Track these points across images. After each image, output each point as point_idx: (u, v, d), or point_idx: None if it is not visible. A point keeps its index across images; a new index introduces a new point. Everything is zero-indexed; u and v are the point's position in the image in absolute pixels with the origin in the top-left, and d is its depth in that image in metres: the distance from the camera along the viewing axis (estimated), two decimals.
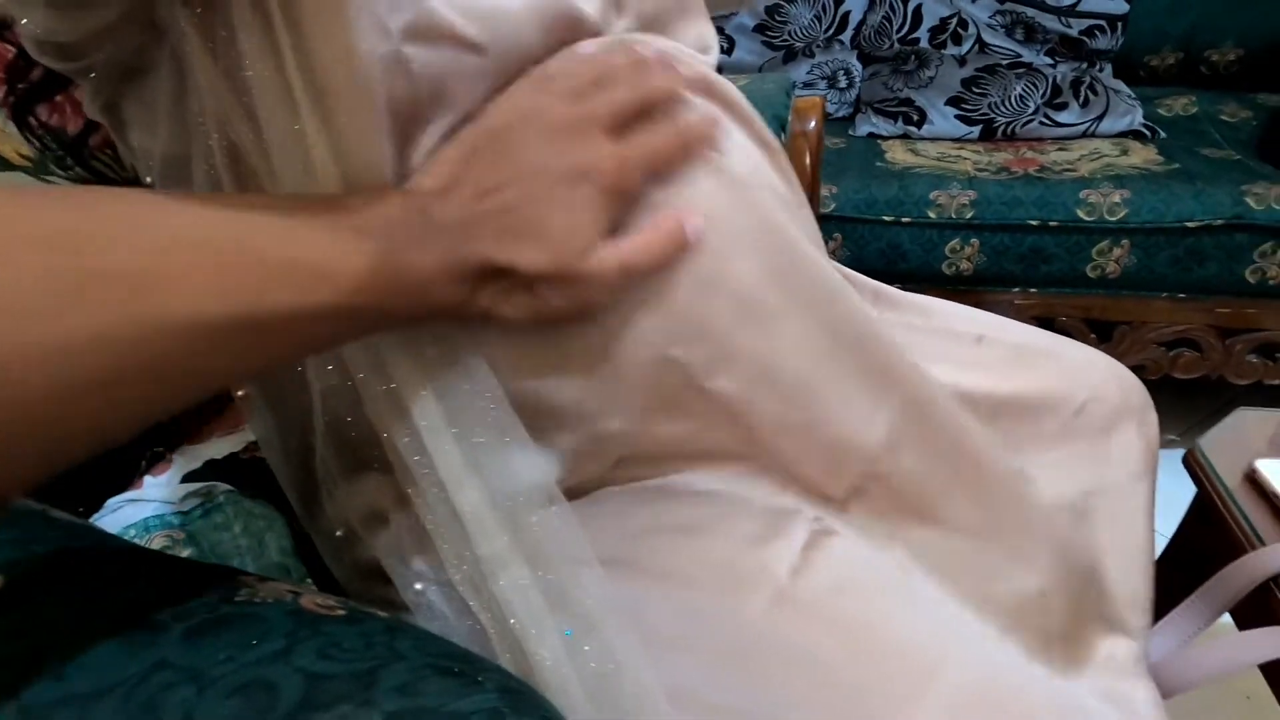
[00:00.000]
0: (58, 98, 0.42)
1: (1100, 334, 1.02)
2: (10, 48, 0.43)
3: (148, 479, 0.51)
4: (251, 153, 0.29)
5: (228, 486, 0.50)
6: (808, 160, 0.75)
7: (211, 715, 0.18)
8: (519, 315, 0.29)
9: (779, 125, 0.72)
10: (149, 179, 0.33)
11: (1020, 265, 1.00)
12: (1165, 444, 0.53)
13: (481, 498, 0.31)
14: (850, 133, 1.20)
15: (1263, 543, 0.45)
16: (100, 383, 0.18)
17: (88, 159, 0.45)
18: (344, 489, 0.38)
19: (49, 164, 0.48)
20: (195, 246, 0.21)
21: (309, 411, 0.36)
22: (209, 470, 0.51)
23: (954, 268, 1.02)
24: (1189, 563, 0.51)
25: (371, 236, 0.25)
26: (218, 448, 0.53)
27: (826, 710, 0.30)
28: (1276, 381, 0.99)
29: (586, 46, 0.31)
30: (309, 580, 0.46)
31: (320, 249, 0.23)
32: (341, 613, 0.24)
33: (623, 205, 0.30)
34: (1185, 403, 1.16)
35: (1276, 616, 0.42)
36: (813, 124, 0.75)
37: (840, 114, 1.27)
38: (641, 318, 0.32)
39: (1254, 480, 0.49)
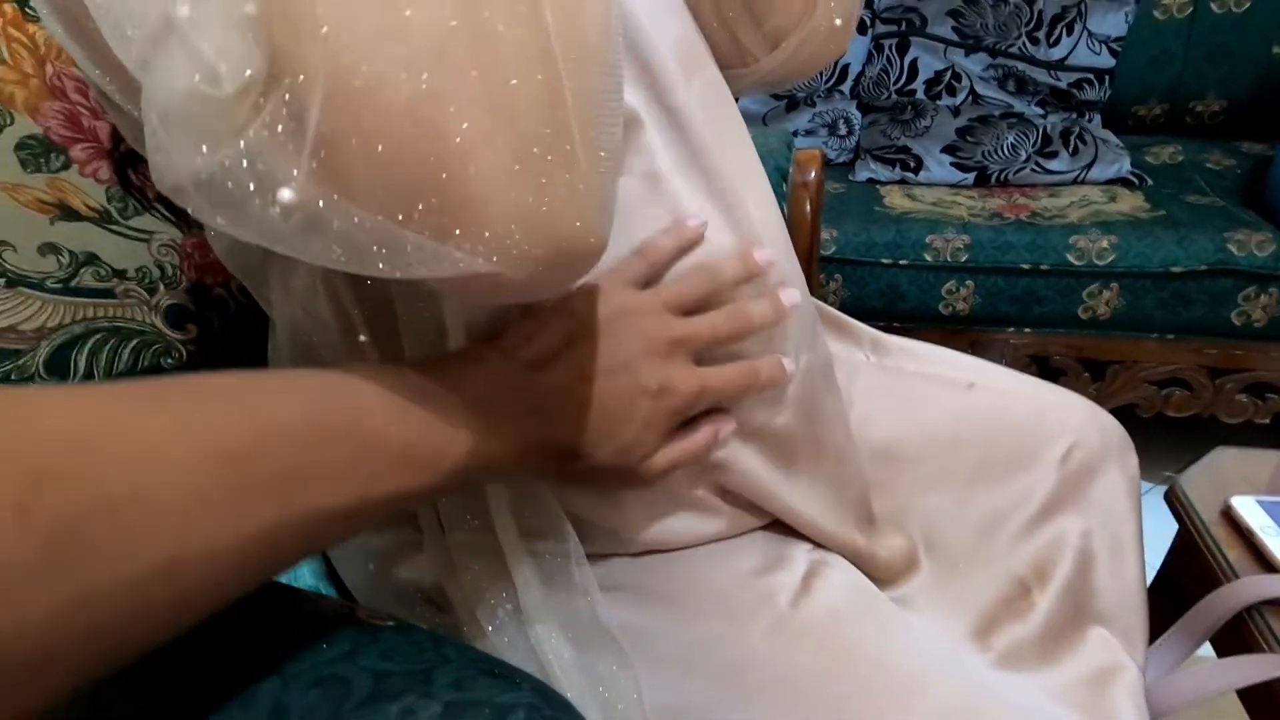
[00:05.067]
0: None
1: (1094, 373, 1.06)
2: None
3: None
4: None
5: None
6: (808, 208, 0.79)
7: (297, 703, 0.21)
8: (577, 483, 0.33)
9: (780, 176, 0.77)
10: (216, 248, 0.37)
11: (1014, 306, 1.03)
12: (1161, 480, 0.55)
13: (531, 561, 0.35)
14: (850, 178, 1.25)
15: (1237, 575, 0.48)
16: (244, 581, 0.20)
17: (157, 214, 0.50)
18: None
19: (114, 215, 0.53)
20: (330, 439, 0.22)
21: None
22: None
23: (950, 308, 1.05)
24: (1174, 594, 0.53)
25: (475, 414, 0.26)
26: None
27: None
28: (1266, 420, 1.02)
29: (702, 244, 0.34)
30: None
31: (431, 436, 0.25)
32: (391, 624, 0.27)
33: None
34: (1180, 441, 1.18)
35: (1251, 644, 0.45)
36: (813, 175, 0.79)
37: (841, 160, 1.33)
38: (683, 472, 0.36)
39: (1229, 516, 0.52)
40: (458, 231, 0.20)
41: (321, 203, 0.20)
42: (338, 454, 0.22)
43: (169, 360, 0.55)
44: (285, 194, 0.19)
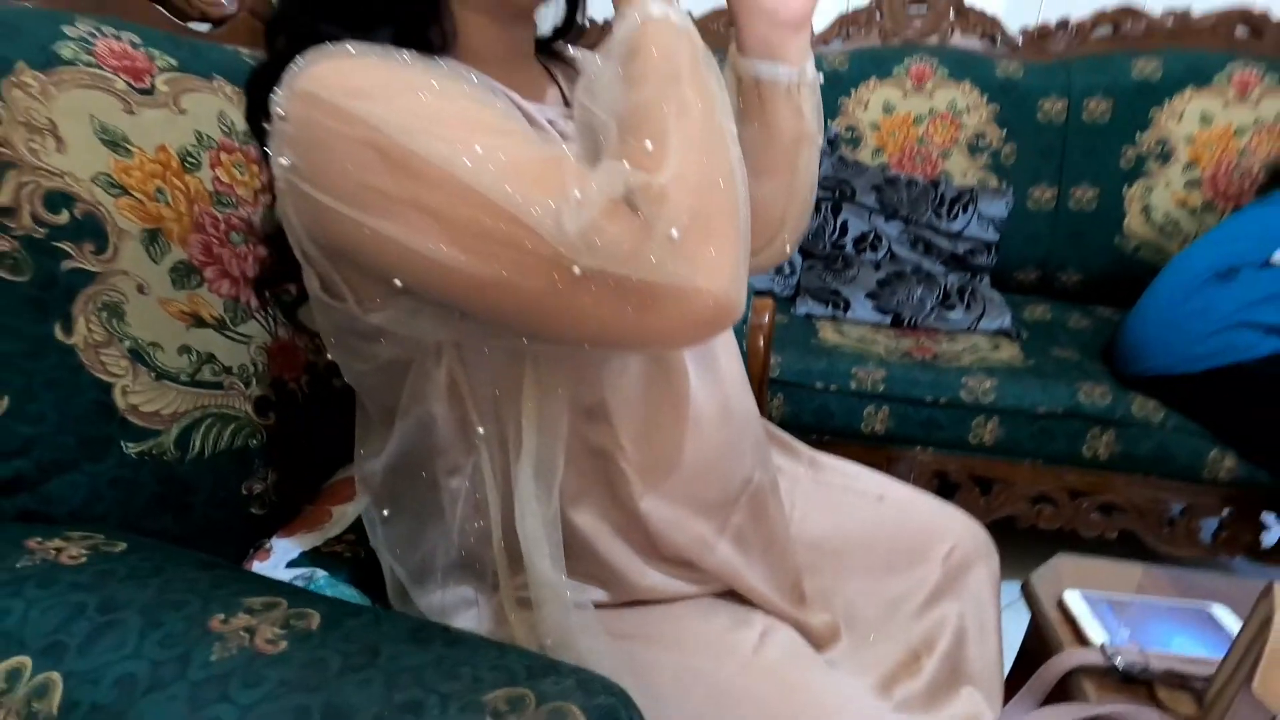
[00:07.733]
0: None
1: (983, 488, 1.27)
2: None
3: (255, 563, 0.65)
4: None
5: (324, 571, 0.64)
6: (761, 344, 0.99)
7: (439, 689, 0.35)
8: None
9: (741, 319, 0.98)
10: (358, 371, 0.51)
11: (921, 430, 1.25)
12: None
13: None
14: (792, 311, 1.48)
15: (1063, 648, 0.66)
16: None
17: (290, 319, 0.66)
18: (436, 586, 0.54)
19: (227, 322, 0.66)
20: None
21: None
22: (305, 559, 0.66)
23: (870, 428, 1.26)
24: (1030, 665, 0.71)
25: None
26: (304, 540, 0.68)
27: None
28: (1114, 534, 1.25)
29: None
30: None
31: None
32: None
33: None
34: (1050, 547, 1.41)
35: (1072, 697, 0.62)
36: (766, 318, 1.00)
37: (785, 295, 1.57)
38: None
39: (1062, 605, 0.71)
40: (711, 250, 0.36)
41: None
42: None
43: (255, 441, 0.68)
44: (674, 232, 0.35)
